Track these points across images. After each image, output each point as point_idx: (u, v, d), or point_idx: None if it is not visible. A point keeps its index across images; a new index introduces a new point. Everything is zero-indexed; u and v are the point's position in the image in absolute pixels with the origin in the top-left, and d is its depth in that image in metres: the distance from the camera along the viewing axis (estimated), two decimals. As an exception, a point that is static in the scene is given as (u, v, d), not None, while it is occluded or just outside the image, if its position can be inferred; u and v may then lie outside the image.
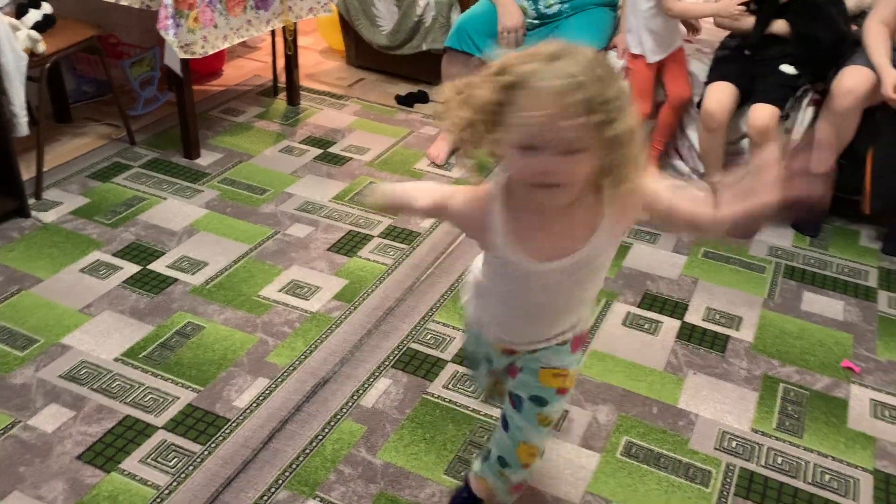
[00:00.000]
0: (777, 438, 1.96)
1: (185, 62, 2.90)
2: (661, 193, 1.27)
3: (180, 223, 2.72)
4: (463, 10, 3.33)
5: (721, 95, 2.74)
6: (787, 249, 2.76)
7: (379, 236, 2.72)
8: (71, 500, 1.71)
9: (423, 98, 3.78)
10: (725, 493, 1.80)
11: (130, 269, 2.47)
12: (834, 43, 2.70)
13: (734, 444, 1.94)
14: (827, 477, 1.86)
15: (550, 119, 1.09)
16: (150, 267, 2.49)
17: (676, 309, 2.42)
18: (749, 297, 2.50)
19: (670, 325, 2.35)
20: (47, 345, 2.14)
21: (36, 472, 1.77)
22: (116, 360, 2.11)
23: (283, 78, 3.66)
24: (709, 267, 2.65)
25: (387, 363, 2.15)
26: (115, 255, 2.54)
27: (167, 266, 2.50)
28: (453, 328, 2.29)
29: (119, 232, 2.66)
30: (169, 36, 2.76)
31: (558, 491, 1.78)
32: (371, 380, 2.08)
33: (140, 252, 2.56)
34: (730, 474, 1.85)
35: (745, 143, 2.87)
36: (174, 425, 1.91)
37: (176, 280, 2.43)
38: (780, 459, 1.90)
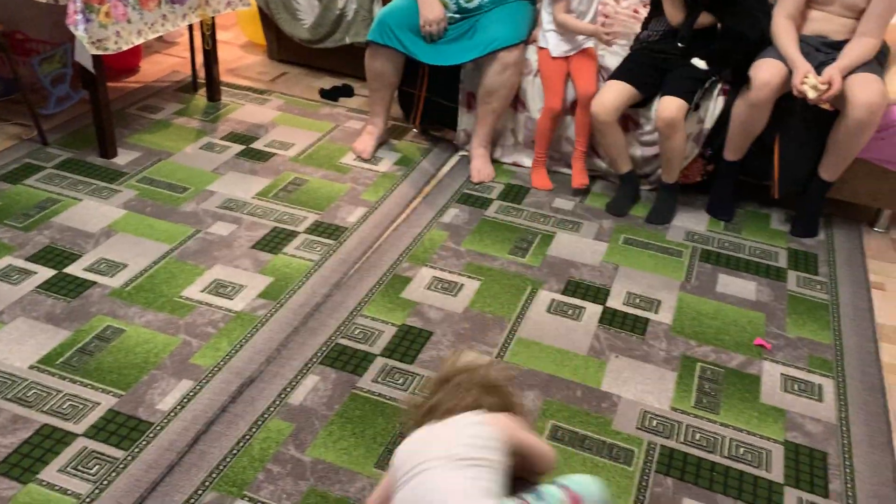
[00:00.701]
0: (695, 416, 2.04)
1: (97, 58, 2.81)
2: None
3: (97, 224, 2.64)
4: (385, 4, 3.33)
5: (609, 94, 2.82)
6: (702, 234, 2.87)
7: (305, 232, 2.70)
8: (-15, 516, 1.65)
9: (347, 91, 3.77)
10: (647, 470, 1.87)
11: (45, 273, 2.39)
12: (758, 40, 2.80)
13: (655, 422, 2.01)
14: (742, 450, 1.94)
15: None
16: (66, 270, 2.41)
17: (599, 294, 2.49)
18: (667, 280, 2.59)
19: (593, 310, 2.42)
20: (-44, 355, 2.06)
21: (-53, 487, 1.70)
22: (32, 367, 2.04)
23: (202, 73, 3.59)
24: (629, 253, 2.72)
25: (314, 360, 2.14)
26: (28, 259, 2.45)
27: (84, 269, 2.42)
28: (382, 322, 2.30)
29: (32, 235, 2.56)
30: (79, 31, 2.67)
31: (487, 477, 1.81)
32: (299, 377, 2.07)
33: (55, 256, 2.47)
34: (651, 452, 1.92)
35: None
36: (95, 432, 1.86)
37: (94, 283, 2.36)
38: (698, 435, 1.98)
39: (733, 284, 2.59)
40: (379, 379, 2.09)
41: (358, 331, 2.26)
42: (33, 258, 2.45)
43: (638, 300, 2.48)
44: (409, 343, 2.22)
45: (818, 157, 2.80)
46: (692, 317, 2.42)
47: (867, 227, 3.00)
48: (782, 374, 2.21)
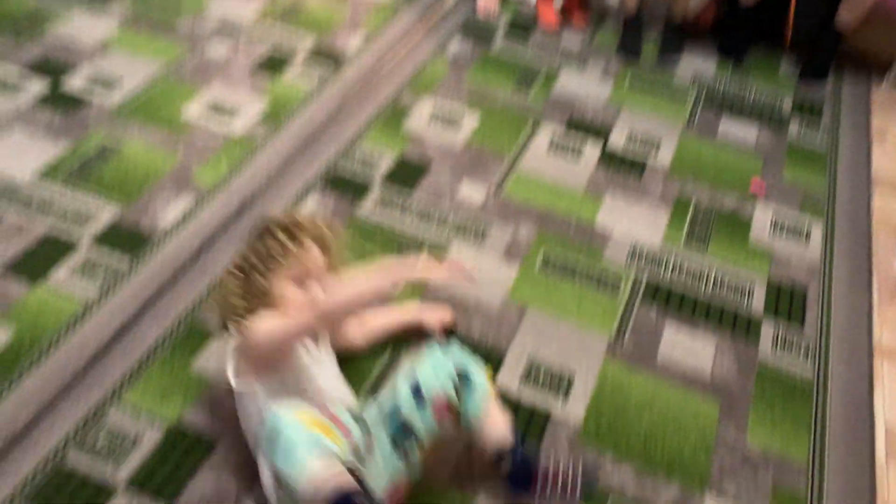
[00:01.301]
0: (684, 252, 2.10)
1: None
2: None
3: (92, 39, 2.57)
4: None
5: None
6: (709, 76, 2.82)
7: (304, 57, 2.64)
8: (-3, 311, 1.72)
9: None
10: (633, 299, 1.94)
11: (41, 86, 2.35)
12: None
13: (644, 256, 2.07)
14: (726, 285, 2.02)
15: None
16: (63, 84, 2.37)
17: (600, 134, 2.48)
18: (670, 122, 2.57)
19: (593, 149, 2.42)
20: (-44, 163, 2.06)
21: (-42, 285, 1.76)
22: (33, 178, 2.05)
23: None
24: (634, 93, 2.69)
25: (313, 185, 2.16)
26: (23, 70, 2.39)
27: (81, 83, 2.38)
28: (380, 152, 2.30)
29: (27, 47, 2.49)
30: None
31: (480, 297, 1.89)
32: (298, 200, 2.10)
33: (51, 69, 2.42)
34: (638, 283, 1.99)
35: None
36: (99, 241, 1.91)
37: (91, 99, 2.33)
38: (684, 270, 2.04)
39: (735, 129, 2.58)
40: (377, 207, 2.11)
41: (357, 159, 2.26)
42: (29, 70, 2.40)
43: (638, 141, 2.47)
44: (407, 173, 2.24)
45: (834, 6, 2.70)
46: (691, 159, 2.42)
47: (877, 80, 2.95)
48: (773, 217, 2.25)
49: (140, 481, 1.44)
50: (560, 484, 1.39)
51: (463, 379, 1.40)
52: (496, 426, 1.44)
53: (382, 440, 1.36)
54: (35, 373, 1.61)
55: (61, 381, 1.59)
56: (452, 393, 1.38)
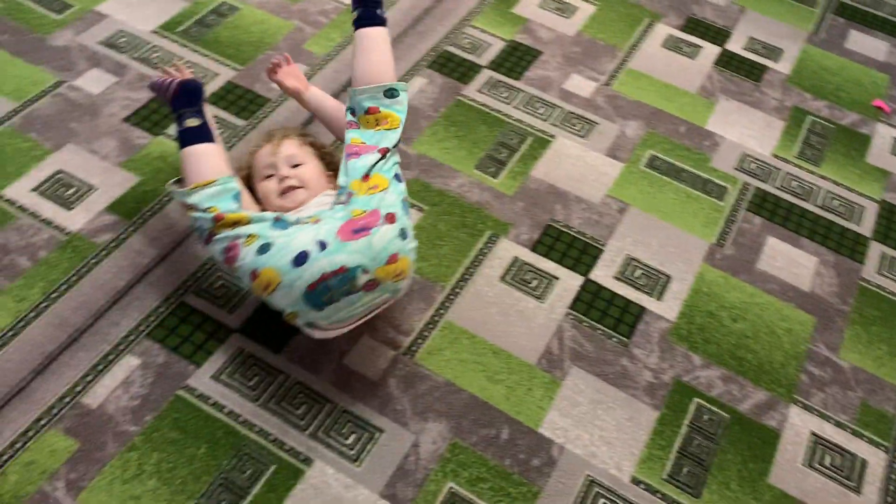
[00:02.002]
0: (795, 165, 2.04)
1: None
2: None
3: None
4: None
5: None
6: (843, -14, 2.64)
7: (418, -68, 2.57)
8: (122, 156, 1.80)
9: None
10: (738, 207, 1.91)
11: (160, -59, 2.36)
12: None
13: (753, 166, 2.01)
14: (836, 202, 1.96)
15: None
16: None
17: (718, 35, 2.37)
18: (794, 30, 2.44)
19: (710, 50, 2.32)
20: (83, 10, 2.12)
21: (87, 128, 1.85)
22: (153, 31, 2.10)
23: None
24: (759, -4, 2.55)
25: (422, 63, 2.15)
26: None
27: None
28: (491, 34, 2.26)
29: None
30: None
31: (580, 192, 1.88)
32: (407, 78, 2.10)
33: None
34: (745, 192, 1.95)
35: None
36: (216, 99, 1.96)
37: (208, -42, 2.34)
38: (794, 183, 1.99)
39: (864, 42, 2.43)
40: (484, 89, 2.10)
41: (466, 40, 2.23)
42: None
43: (759, 46, 2.36)
44: (516, 59, 2.20)
45: None
46: (813, 70, 2.31)
47: None
48: (895, 137, 2.15)
49: (251, 328, 1.54)
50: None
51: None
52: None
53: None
54: (156, 218, 1.70)
55: (183, 226, 1.69)
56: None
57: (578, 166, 1.94)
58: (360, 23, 1.61)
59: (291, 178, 1.51)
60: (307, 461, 1.38)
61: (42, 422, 1.38)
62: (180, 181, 1.48)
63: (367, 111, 1.52)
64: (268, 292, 1.34)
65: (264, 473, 1.36)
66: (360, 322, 1.42)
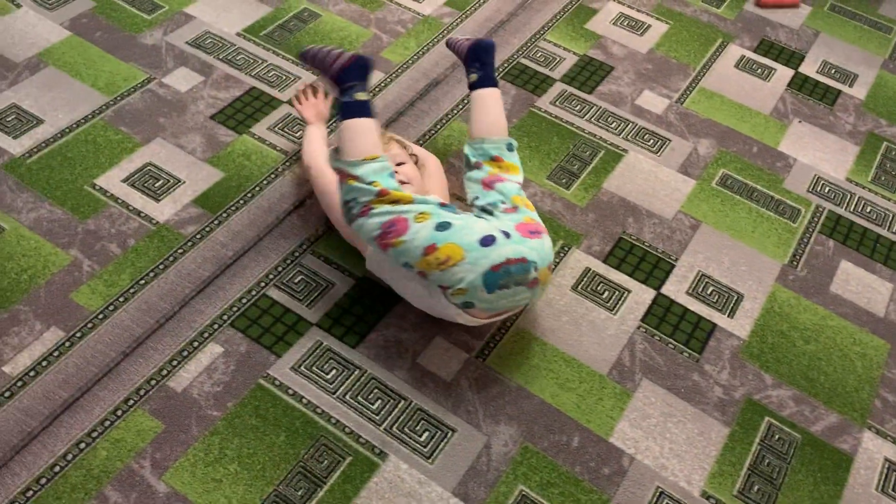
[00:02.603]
0: (870, 190, 2.02)
1: None
2: None
3: None
4: None
5: None
6: (920, 13, 2.62)
7: (494, -53, 2.61)
8: (208, 152, 1.87)
9: None
10: (811, 229, 1.90)
11: (245, -52, 2.45)
12: None
13: (827, 189, 2.00)
14: (911, 230, 1.94)
15: None
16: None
17: (792, 58, 2.37)
18: (870, 55, 2.42)
19: (783, 73, 2.32)
20: (171, 12, 2.20)
21: (174, 124, 1.92)
22: (238, 34, 2.17)
23: None
24: (833, 20, 2.53)
25: (498, 73, 2.18)
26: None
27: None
28: (564, 49, 2.29)
29: None
30: None
31: (652, 206, 1.89)
32: (480, 87, 2.13)
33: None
34: (818, 214, 1.94)
35: None
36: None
37: (291, -35, 2.41)
38: (868, 209, 1.97)
39: (942, 71, 2.41)
40: (556, 102, 2.13)
41: (540, 54, 2.27)
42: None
43: (833, 70, 2.35)
44: (589, 73, 2.22)
45: None
46: (888, 96, 2.29)
47: None
48: (973, 168, 2.12)
49: (329, 323, 1.58)
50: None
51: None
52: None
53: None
54: (240, 213, 1.75)
55: (265, 222, 1.74)
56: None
57: (650, 181, 1.95)
58: (477, 84, 1.73)
59: (399, 174, 1.60)
60: (382, 455, 1.41)
61: (130, 402, 1.43)
62: (337, 151, 1.55)
63: (493, 159, 1.64)
64: (445, 266, 1.39)
65: (340, 465, 1.39)
66: (500, 318, 1.50)
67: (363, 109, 1.54)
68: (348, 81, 1.57)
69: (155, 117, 1.92)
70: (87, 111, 1.91)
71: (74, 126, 1.87)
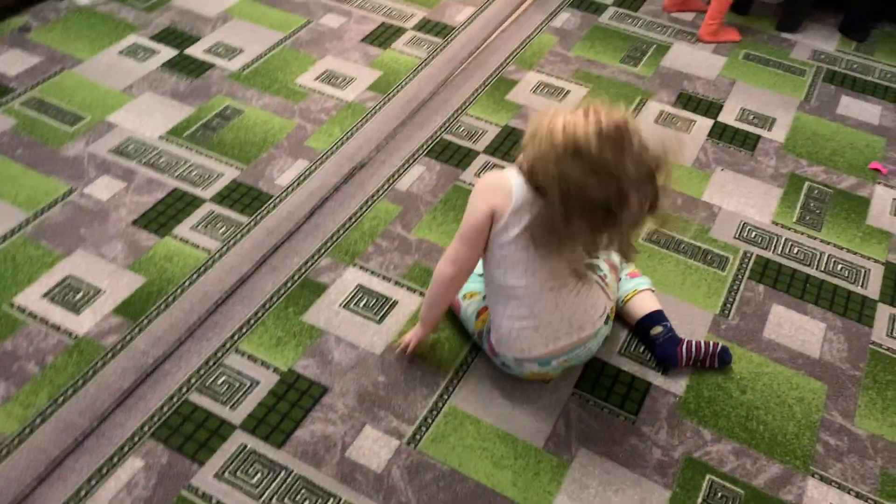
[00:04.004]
0: (796, 231, 2.04)
1: None
2: None
3: (214, 9, 2.70)
4: None
5: None
6: (830, 53, 2.70)
7: (413, 29, 2.69)
8: (130, 258, 1.85)
9: None
10: (740, 276, 1.90)
11: (168, 53, 2.49)
12: None
13: (753, 234, 2.02)
14: (839, 266, 1.95)
15: None
16: (187, 52, 2.50)
17: (711, 108, 2.42)
18: (786, 98, 2.48)
19: (703, 123, 2.36)
20: (94, 122, 2.22)
21: (96, 233, 1.91)
22: (161, 137, 2.19)
23: None
24: (748, 68, 2.60)
25: (420, 151, 2.21)
26: (151, 38, 2.55)
27: (204, 51, 2.51)
28: (486, 122, 2.32)
29: (154, 16, 2.65)
30: None
31: (581, 269, 1.89)
32: (405, 166, 2.16)
33: (176, 37, 2.56)
34: (746, 260, 1.94)
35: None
36: (220, 199, 2.02)
37: (213, 65, 2.45)
38: (796, 249, 1.98)
39: (856, 107, 2.46)
40: (480, 174, 2.15)
41: (462, 128, 2.30)
42: (156, 38, 2.55)
43: (752, 116, 2.40)
44: (511, 143, 2.25)
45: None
46: (807, 136, 2.34)
47: None
48: (895, 198, 2.14)
49: (254, 423, 1.54)
50: (701, 355, 1.65)
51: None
52: (646, 302, 1.71)
53: None
54: (161, 317, 1.73)
55: (186, 324, 1.71)
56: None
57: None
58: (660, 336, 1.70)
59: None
60: (311, 559, 1.36)
61: (45, 529, 1.38)
62: None
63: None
64: None
65: (267, 574, 1.33)
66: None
67: None
68: None
69: (76, 228, 1.91)
70: (5, 229, 1.90)
71: (-7, 246, 1.86)
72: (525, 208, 1.37)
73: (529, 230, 1.38)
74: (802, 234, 2.03)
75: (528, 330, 1.50)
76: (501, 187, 1.39)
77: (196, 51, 2.51)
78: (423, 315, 1.60)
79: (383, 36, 2.65)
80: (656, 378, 1.67)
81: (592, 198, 1.28)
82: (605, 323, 1.58)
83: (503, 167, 2.16)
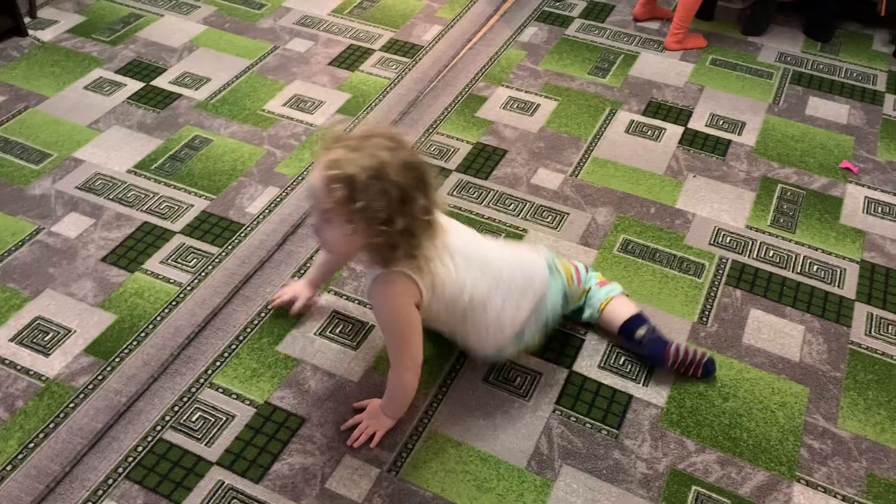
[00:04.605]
0: (770, 234, 2.04)
1: None
2: None
3: (180, 39, 2.69)
4: None
5: None
6: (796, 55, 2.72)
7: (380, 50, 2.68)
8: (100, 296, 1.82)
9: None
10: (717, 282, 1.90)
11: (134, 85, 2.47)
12: None
13: (728, 239, 2.01)
14: (815, 267, 1.95)
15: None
16: (154, 83, 2.48)
17: (681, 115, 2.43)
18: (754, 102, 2.49)
19: (673, 130, 2.37)
20: (60, 158, 2.19)
21: (64, 272, 1.88)
22: (129, 171, 2.16)
23: None
24: (715, 74, 2.62)
25: (393, 172, 2.19)
26: (117, 72, 2.53)
27: (170, 82, 2.49)
28: (457, 139, 2.32)
29: (119, 49, 2.63)
30: None
31: (558, 283, 1.88)
32: (378, 188, 2.14)
33: (142, 69, 2.54)
34: (722, 266, 1.94)
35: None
36: (191, 230, 1.99)
37: (180, 96, 2.44)
38: (771, 252, 1.98)
39: (824, 107, 2.48)
40: (454, 192, 2.13)
41: (434, 147, 2.29)
42: (122, 71, 2.53)
43: (721, 121, 2.41)
44: (483, 159, 2.25)
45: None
46: (777, 139, 2.35)
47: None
48: (866, 196, 2.15)
49: (231, 459, 1.51)
50: (688, 360, 1.65)
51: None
52: (623, 307, 1.72)
53: None
54: (133, 355, 1.70)
55: (159, 360, 1.68)
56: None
57: (552, 258, 1.94)
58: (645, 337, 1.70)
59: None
60: None
61: (18, 581, 1.34)
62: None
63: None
64: None
65: None
66: None
67: None
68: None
69: (44, 268, 1.88)
70: (-29, 273, 1.86)
71: (-41, 290, 1.82)
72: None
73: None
74: (777, 236, 2.03)
75: (495, 318, 1.54)
76: (408, 288, 1.43)
77: (162, 82, 2.49)
78: (398, 411, 1.57)
79: (351, 58, 2.64)
80: (637, 390, 1.65)
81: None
82: (552, 273, 1.63)
83: (475, 184, 2.15)
